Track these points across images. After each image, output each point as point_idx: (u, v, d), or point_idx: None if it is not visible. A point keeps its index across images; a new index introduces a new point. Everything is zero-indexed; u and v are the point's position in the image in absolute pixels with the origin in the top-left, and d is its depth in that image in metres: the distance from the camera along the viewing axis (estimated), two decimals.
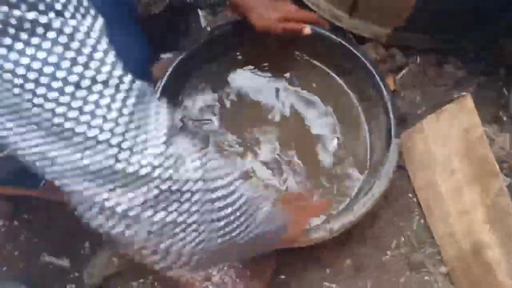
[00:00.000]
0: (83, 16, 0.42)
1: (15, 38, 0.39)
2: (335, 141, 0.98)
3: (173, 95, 0.98)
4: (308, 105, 1.01)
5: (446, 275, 0.91)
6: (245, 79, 1.03)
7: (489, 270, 0.84)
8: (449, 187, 0.90)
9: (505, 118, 1.04)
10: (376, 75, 0.92)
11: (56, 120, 0.41)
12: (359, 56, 0.95)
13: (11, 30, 0.39)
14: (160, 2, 1.06)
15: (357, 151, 0.97)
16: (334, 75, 1.03)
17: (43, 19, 0.39)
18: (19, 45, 0.39)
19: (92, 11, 0.43)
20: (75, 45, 0.41)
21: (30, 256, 0.92)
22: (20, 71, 0.39)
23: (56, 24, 0.40)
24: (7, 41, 0.39)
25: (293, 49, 1.04)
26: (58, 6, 0.40)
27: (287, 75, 1.04)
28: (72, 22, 0.41)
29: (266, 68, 1.05)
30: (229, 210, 0.50)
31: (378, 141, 0.94)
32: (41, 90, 0.40)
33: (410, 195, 0.97)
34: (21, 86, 0.40)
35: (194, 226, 0.47)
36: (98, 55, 0.42)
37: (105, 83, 0.42)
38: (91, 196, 0.44)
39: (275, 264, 0.88)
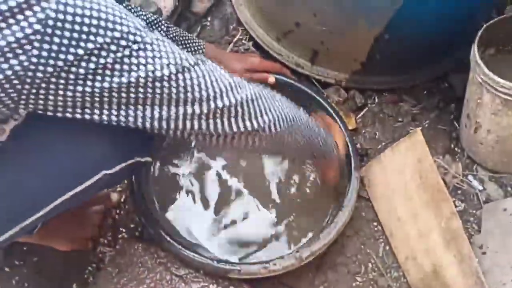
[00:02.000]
0: None
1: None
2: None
3: None
4: None
5: None
6: None
7: None
8: (407, 213, 0.99)
9: (457, 149, 1.14)
10: (335, 116, 1.02)
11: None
12: (320, 100, 1.06)
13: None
14: None
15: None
16: None
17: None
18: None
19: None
20: None
21: None
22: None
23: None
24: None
25: None
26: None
27: None
28: None
29: None
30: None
31: (343, 174, 1.03)
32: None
33: (375, 223, 1.05)
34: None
35: (271, 108, 0.71)
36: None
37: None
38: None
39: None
